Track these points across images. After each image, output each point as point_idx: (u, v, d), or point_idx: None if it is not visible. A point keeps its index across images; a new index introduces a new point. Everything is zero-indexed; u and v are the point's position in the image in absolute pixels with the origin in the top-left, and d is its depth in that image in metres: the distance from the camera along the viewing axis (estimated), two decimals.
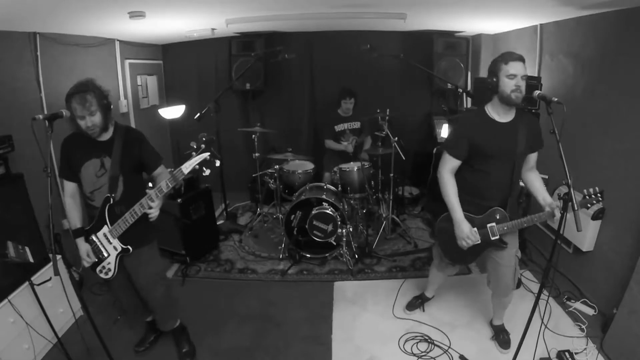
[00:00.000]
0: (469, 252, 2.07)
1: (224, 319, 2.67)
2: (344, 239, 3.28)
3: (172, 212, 3.15)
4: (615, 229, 2.48)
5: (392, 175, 3.66)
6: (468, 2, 2.70)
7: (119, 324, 2.59)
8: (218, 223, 3.88)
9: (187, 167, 1.66)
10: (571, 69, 2.90)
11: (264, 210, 4.12)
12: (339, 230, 3.22)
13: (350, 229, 3.48)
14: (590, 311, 2.58)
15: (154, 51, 4.60)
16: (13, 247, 1.95)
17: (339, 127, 4.07)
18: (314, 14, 3.25)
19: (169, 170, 1.90)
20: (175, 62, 4.80)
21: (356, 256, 3.35)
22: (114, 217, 1.85)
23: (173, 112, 4.24)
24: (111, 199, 1.85)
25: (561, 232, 1.59)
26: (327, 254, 3.40)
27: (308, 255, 3.40)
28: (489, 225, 1.98)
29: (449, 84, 4.10)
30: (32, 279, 2.12)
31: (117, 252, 1.90)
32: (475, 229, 1.99)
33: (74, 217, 1.95)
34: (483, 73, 4.32)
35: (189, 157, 1.67)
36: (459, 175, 2.01)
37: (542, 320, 2.16)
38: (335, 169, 3.55)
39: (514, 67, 1.76)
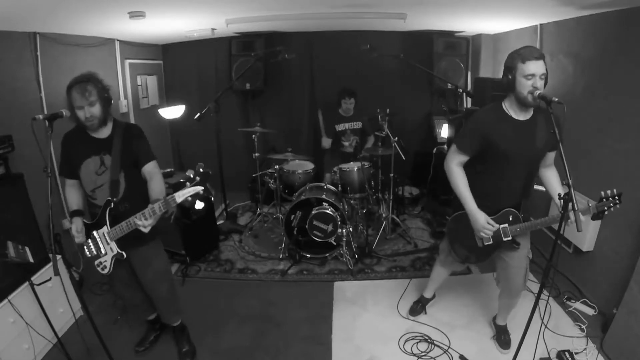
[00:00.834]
0: (480, 251, 2.04)
1: (224, 319, 2.67)
2: (344, 239, 3.28)
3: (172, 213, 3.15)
4: (615, 229, 2.48)
5: (392, 175, 3.66)
6: (468, 2, 2.70)
7: (119, 324, 2.58)
8: (218, 223, 3.88)
9: (180, 196, 1.65)
10: (571, 69, 2.90)
11: (264, 210, 4.12)
12: (339, 230, 3.22)
13: (350, 229, 3.48)
14: (590, 311, 2.58)
15: (154, 51, 4.60)
16: (13, 247, 1.95)
17: (339, 127, 4.08)
18: (314, 14, 3.25)
19: (165, 192, 1.87)
20: (175, 62, 4.80)
21: (356, 256, 3.35)
22: (118, 216, 1.85)
23: (173, 112, 4.24)
24: (112, 203, 1.84)
25: (561, 232, 1.59)
26: (327, 254, 3.40)
27: (308, 255, 3.40)
28: (501, 226, 1.94)
29: (449, 84, 4.10)
30: (32, 279, 2.12)
31: (113, 254, 1.90)
32: (490, 218, 1.91)
33: (72, 201, 1.98)
34: (483, 73, 4.32)
35: (183, 185, 1.67)
36: (473, 177, 1.93)
37: (542, 320, 2.16)
38: (335, 169, 3.55)
39: (532, 67, 1.65)
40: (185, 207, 3.19)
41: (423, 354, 2.30)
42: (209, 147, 4.12)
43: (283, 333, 2.54)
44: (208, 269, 3.32)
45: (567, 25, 2.93)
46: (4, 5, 2.03)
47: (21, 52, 2.72)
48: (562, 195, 1.55)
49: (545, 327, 2.29)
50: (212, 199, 1.51)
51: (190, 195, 1.64)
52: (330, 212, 3.22)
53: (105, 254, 1.92)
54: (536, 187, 2.03)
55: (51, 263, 1.67)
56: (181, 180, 1.69)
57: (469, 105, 4.40)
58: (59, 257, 1.80)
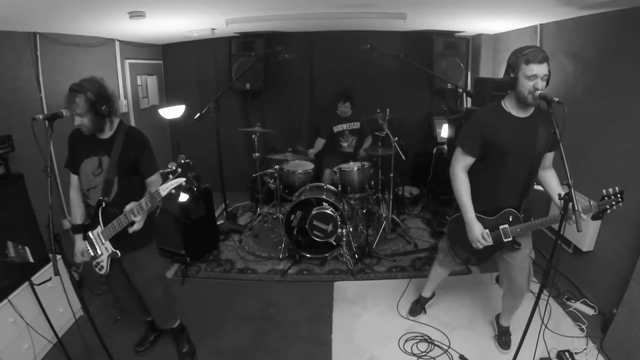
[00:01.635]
0: (481, 253, 2.03)
1: (224, 319, 2.67)
2: (344, 239, 3.27)
3: (171, 212, 3.16)
4: (615, 229, 2.48)
5: (392, 175, 3.66)
6: (468, 2, 2.70)
7: (119, 324, 2.58)
8: (218, 223, 3.88)
9: (164, 190, 1.62)
10: (571, 69, 2.90)
11: (264, 210, 4.12)
12: (339, 230, 3.22)
13: (350, 229, 3.48)
14: (590, 311, 2.58)
15: (154, 51, 4.60)
16: (13, 247, 1.95)
17: (337, 128, 4.08)
18: (314, 14, 3.25)
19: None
20: (175, 62, 4.80)
21: (356, 256, 3.35)
22: (108, 218, 1.85)
23: (173, 112, 4.24)
24: (103, 203, 1.84)
25: (561, 232, 1.58)
26: (327, 254, 3.40)
27: (308, 255, 3.40)
28: (501, 227, 1.93)
29: (449, 84, 4.10)
30: (32, 279, 2.12)
31: (108, 254, 1.91)
32: (487, 230, 1.93)
33: (76, 214, 2.00)
34: (483, 73, 4.32)
35: (166, 177, 1.64)
36: (473, 176, 1.93)
37: (542, 320, 2.16)
38: (335, 169, 3.55)
39: (535, 69, 1.66)
40: (185, 208, 3.19)
41: (423, 354, 2.30)
42: (209, 147, 4.12)
43: (283, 333, 2.54)
44: (208, 269, 3.32)
45: (567, 25, 2.93)
46: (4, 5, 2.03)
47: (21, 52, 2.71)
48: (562, 196, 1.55)
49: (545, 327, 2.29)
50: (195, 190, 1.49)
51: (174, 188, 1.62)
52: (330, 212, 3.22)
53: (101, 254, 1.92)
54: (536, 187, 2.02)
55: (51, 263, 1.67)
56: (165, 171, 1.66)
57: (469, 105, 4.40)
58: (59, 257, 1.80)
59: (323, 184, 3.53)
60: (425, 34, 4.24)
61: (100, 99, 1.76)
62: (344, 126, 4.08)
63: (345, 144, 4.11)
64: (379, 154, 3.54)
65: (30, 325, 2.11)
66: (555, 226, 1.64)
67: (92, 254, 1.93)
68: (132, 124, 4.11)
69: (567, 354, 2.16)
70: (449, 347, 2.34)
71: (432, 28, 4.10)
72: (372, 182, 3.65)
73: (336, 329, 2.55)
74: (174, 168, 1.66)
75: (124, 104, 3.93)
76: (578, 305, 2.62)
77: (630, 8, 2.30)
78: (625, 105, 2.38)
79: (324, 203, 3.29)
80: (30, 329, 2.12)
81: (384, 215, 3.81)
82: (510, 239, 1.94)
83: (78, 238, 1.95)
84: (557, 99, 1.58)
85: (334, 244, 3.35)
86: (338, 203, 3.32)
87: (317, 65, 4.70)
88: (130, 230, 1.78)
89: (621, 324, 2.14)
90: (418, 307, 2.65)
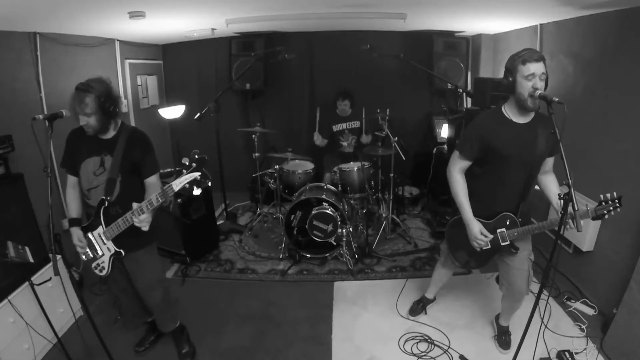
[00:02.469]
0: (479, 256, 2.04)
1: (224, 319, 2.67)
2: (344, 239, 3.28)
3: (172, 212, 3.16)
4: (615, 229, 2.48)
5: (392, 175, 3.66)
6: (468, 2, 2.70)
7: (119, 324, 2.58)
8: (218, 223, 3.88)
9: (177, 185, 1.63)
10: (571, 69, 2.90)
11: (264, 210, 4.12)
12: (339, 230, 3.22)
13: (350, 229, 3.48)
14: (590, 311, 2.58)
15: (154, 51, 4.60)
16: (13, 247, 1.95)
17: (337, 127, 4.08)
18: (314, 14, 3.25)
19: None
20: (175, 62, 4.80)
21: (356, 256, 3.35)
22: (109, 219, 1.84)
23: (173, 112, 4.23)
24: (106, 202, 1.84)
25: (561, 232, 1.58)
26: (327, 254, 3.40)
27: (308, 255, 3.40)
28: (498, 230, 1.93)
29: (449, 84, 4.10)
30: (32, 279, 2.12)
31: (110, 254, 1.90)
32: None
33: (72, 208, 1.99)
34: (483, 73, 4.32)
35: (180, 173, 1.65)
36: (472, 179, 1.95)
37: (542, 320, 2.16)
38: (335, 169, 3.55)
39: (532, 68, 1.65)
40: (185, 208, 3.19)
41: (423, 354, 2.30)
42: (209, 147, 4.11)
43: (283, 333, 2.54)
44: (208, 269, 3.32)
45: (567, 25, 2.93)
46: (4, 5, 2.03)
47: (21, 52, 2.71)
48: (562, 196, 1.55)
49: (545, 327, 2.29)
50: (210, 183, 1.51)
51: (188, 182, 1.62)
52: (330, 212, 3.22)
53: (102, 254, 1.91)
54: (535, 187, 2.02)
55: (51, 263, 1.67)
56: (177, 168, 1.67)
57: (469, 105, 4.40)
58: (59, 257, 1.81)
59: (323, 184, 3.53)
60: (425, 34, 4.23)
61: (108, 100, 1.77)
62: (344, 125, 4.08)
63: (345, 143, 4.11)
64: (379, 154, 3.54)
65: (30, 325, 2.11)
66: (555, 228, 1.64)
67: (91, 255, 1.92)
68: (132, 124, 4.11)
69: (567, 354, 2.16)
70: (449, 347, 2.34)
71: (432, 28, 4.10)
72: (372, 182, 3.65)
73: (336, 329, 2.55)
74: (188, 163, 1.66)
75: (124, 104, 3.93)
76: (578, 305, 2.62)
77: (630, 8, 2.30)
78: (625, 105, 2.38)
79: (324, 203, 3.29)
80: (30, 329, 2.12)
81: (384, 215, 3.81)
82: (507, 242, 1.94)
83: (74, 229, 1.93)
84: (557, 99, 1.58)
85: (334, 244, 3.35)
86: (338, 203, 3.32)
87: (317, 65, 4.70)
88: (143, 228, 1.76)
89: (621, 324, 2.14)
90: (419, 307, 2.65)
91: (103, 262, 1.93)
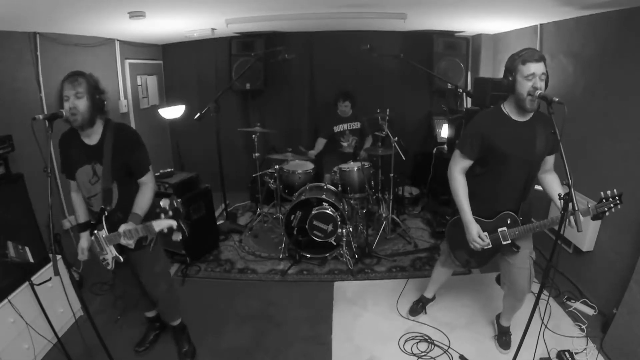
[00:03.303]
0: (480, 256, 2.04)
1: (224, 319, 2.67)
2: (344, 239, 3.28)
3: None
4: (615, 229, 2.48)
5: (392, 175, 3.66)
6: (468, 2, 2.70)
7: (120, 324, 2.59)
8: (218, 223, 3.88)
9: (157, 226, 1.67)
10: (571, 69, 2.90)
11: (264, 210, 4.12)
12: (339, 230, 3.22)
13: (350, 229, 3.48)
14: (590, 311, 2.58)
15: (154, 51, 4.60)
16: (13, 247, 1.95)
17: (338, 128, 4.08)
18: (314, 14, 3.25)
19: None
20: (175, 62, 4.80)
21: (356, 256, 3.35)
22: (112, 224, 1.84)
23: (173, 112, 4.24)
24: (105, 212, 1.83)
25: (561, 232, 1.59)
26: (327, 254, 3.40)
27: (308, 255, 3.40)
28: (499, 229, 1.93)
29: (449, 84, 4.11)
30: (32, 279, 2.12)
31: (112, 255, 1.90)
32: (486, 232, 1.93)
33: (79, 213, 2.00)
34: (483, 73, 4.32)
35: (157, 215, 1.68)
36: (473, 178, 1.94)
37: (542, 320, 2.16)
38: (335, 169, 3.55)
39: (532, 68, 1.66)
40: (185, 208, 3.19)
41: (423, 354, 2.30)
42: (209, 147, 4.13)
43: (283, 333, 2.54)
44: (208, 269, 3.32)
45: (567, 25, 2.93)
46: (4, 5, 2.03)
47: (21, 52, 2.72)
48: (562, 196, 1.55)
49: (545, 327, 2.29)
50: (180, 238, 1.55)
51: (167, 228, 1.67)
52: (330, 212, 3.22)
53: (107, 253, 1.92)
54: (536, 187, 2.02)
55: (51, 263, 1.67)
56: (157, 210, 1.69)
57: (469, 105, 4.40)
58: (59, 257, 1.80)
59: (323, 184, 3.53)
60: (425, 34, 4.24)
61: (97, 89, 1.78)
62: (345, 126, 4.08)
63: (345, 144, 4.11)
64: (379, 154, 3.54)
65: (30, 325, 2.11)
66: (556, 226, 1.64)
67: (98, 249, 1.93)
68: (132, 123, 4.11)
69: (567, 354, 2.16)
70: (449, 347, 2.34)
71: (432, 28, 4.10)
72: (372, 182, 3.65)
73: (336, 329, 2.55)
74: (167, 208, 1.67)
75: (124, 104, 3.93)
76: (578, 305, 2.62)
77: (630, 8, 2.31)
78: (625, 106, 2.38)
79: (324, 203, 3.29)
80: (30, 329, 2.12)
81: (384, 215, 3.81)
82: (508, 241, 1.94)
83: (83, 235, 1.95)
84: (557, 99, 1.58)
85: (334, 244, 3.35)
86: (338, 203, 3.32)
87: (317, 65, 4.70)
88: (127, 245, 1.79)
89: (621, 324, 2.14)
90: (419, 306, 2.65)
91: (108, 259, 1.93)
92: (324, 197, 3.29)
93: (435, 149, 4.23)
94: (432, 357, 2.27)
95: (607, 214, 1.67)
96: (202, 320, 2.62)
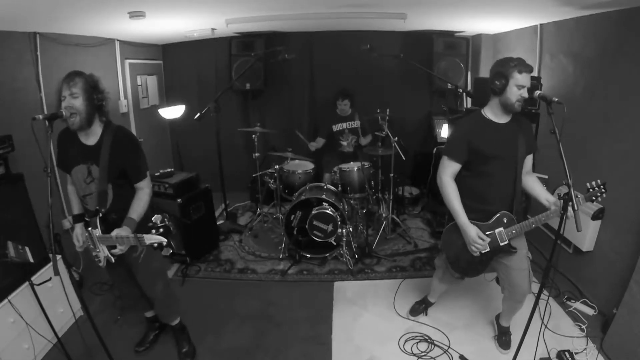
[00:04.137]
0: (478, 262, 2.03)
1: (224, 319, 2.67)
2: (344, 239, 3.28)
3: (172, 213, 3.16)
4: (615, 229, 2.48)
5: (392, 175, 3.66)
6: (468, 2, 2.70)
7: (119, 324, 2.59)
8: (218, 223, 3.88)
9: (148, 239, 1.69)
10: (571, 69, 2.90)
11: (264, 210, 4.12)
12: (339, 230, 3.22)
13: (350, 229, 3.48)
14: (590, 311, 2.58)
15: (154, 51, 4.60)
16: (13, 247, 1.95)
17: (337, 127, 4.08)
18: (314, 14, 3.24)
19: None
20: (175, 62, 4.80)
21: (356, 256, 3.35)
22: (107, 225, 1.84)
23: (173, 112, 4.24)
24: (100, 213, 1.83)
25: (561, 232, 1.59)
26: (327, 254, 3.40)
27: (308, 255, 3.40)
28: (496, 230, 1.94)
29: (449, 84, 4.10)
30: (32, 279, 2.12)
31: (104, 255, 1.90)
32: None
33: (74, 205, 2.02)
34: (483, 73, 4.32)
35: (150, 229, 1.74)
36: (462, 182, 1.97)
37: (542, 320, 2.16)
38: (335, 169, 3.55)
39: (525, 79, 1.76)
40: (185, 208, 3.20)
41: (423, 354, 2.30)
42: (209, 147, 4.12)
43: (283, 333, 2.54)
44: (208, 269, 3.32)
45: (567, 25, 2.93)
46: (4, 5, 2.03)
47: (21, 52, 2.72)
48: (562, 195, 1.56)
49: (545, 327, 2.29)
50: (170, 253, 1.61)
51: (157, 243, 1.69)
52: (330, 212, 3.22)
53: (99, 250, 1.92)
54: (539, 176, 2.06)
55: (51, 263, 1.67)
56: (149, 224, 1.74)
57: (469, 105, 4.41)
58: (59, 257, 1.80)
59: (323, 184, 3.53)
60: (425, 34, 4.23)
61: (96, 90, 1.78)
62: (344, 125, 4.08)
63: (344, 143, 4.11)
64: (379, 154, 3.54)
65: (30, 325, 2.11)
66: (554, 225, 1.64)
67: (91, 245, 1.93)
68: (132, 124, 4.11)
69: (567, 354, 2.16)
70: (449, 347, 2.34)
71: (432, 28, 4.10)
72: (372, 182, 3.65)
73: (336, 329, 2.55)
74: (158, 224, 1.71)
75: (124, 104, 3.93)
76: (578, 305, 2.62)
77: (630, 8, 2.31)
78: (625, 105, 2.38)
79: (324, 203, 3.29)
80: (30, 329, 2.12)
81: (384, 215, 3.81)
82: (506, 242, 1.95)
83: (78, 226, 1.96)
84: (556, 99, 1.59)
85: (334, 244, 3.35)
86: (338, 203, 3.32)
87: (317, 65, 4.70)
88: (115, 251, 1.80)
89: (621, 324, 2.14)
90: (421, 307, 2.65)
91: (99, 256, 1.93)
92: (324, 197, 3.29)
93: (435, 149, 4.22)
94: (432, 357, 2.27)
95: (594, 202, 1.76)
96: (202, 320, 2.62)
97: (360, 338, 2.46)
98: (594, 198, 1.76)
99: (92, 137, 1.85)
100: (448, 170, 1.97)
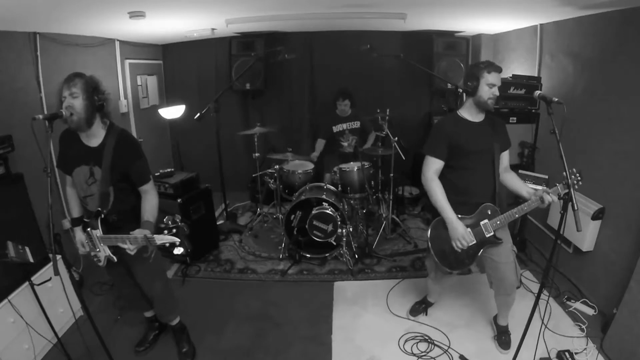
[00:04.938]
0: (465, 255, 2.06)
1: (224, 319, 2.67)
2: (344, 239, 3.27)
3: (172, 213, 3.15)
4: (615, 229, 2.48)
5: (392, 175, 3.66)
6: (468, 2, 2.70)
7: (119, 324, 2.59)
8: (218, 223, 3.88)
9: (159, 240, 1.67)
10: (571, 69, 2.90)
11: (264, 210, 4.12)
12: (339, 230, 3.22)
13: (350, 229, 3.48)
14: (590, 311, 2.58)
15: (154, 51, 4.60)
16: (13, 247, 1.94)
17: (337, 128, 4.08)
18: (314, 14, 3.25)
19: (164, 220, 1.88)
20: (175, 62, 4.80)
21: (356, 256, 3.35)
22: (108, 226, 1.84)
23: (173, 112, 4.24)
24: (102, 214, 1.83)
25: (561, 232, 1.59)
26: (327, 254, 3.40)
27: (308, 255, 3.40)
28: (482, 222, 2.01)
29: (449, 84, 4.11)
30: (32, 279, 2.12)
31: (105, 254, 1.90)
32: (469, 229, 2.00)
33: (73, 207, 2.01)
34: None
35: (161, 230, 1.69)
36: (445, 178, 2.05)
37: (542, 320, 2.17)
38: (335, 169, 3.55)
39: (495, 78, 1.90)
40: (185, 208, 3.20)
41: (423, 354, 2.30)
42: (209, 147, 4.13)
43: (283, 333, 2.54)
44: (208, 269, 3.32)
45: (567, 25, 2.93)
46: (4, 5, 2.03)
47: (21, 52, 2.72)
48: (561, 195, 1.56)
49: (545, 327, 2.29)
50: (182, 252, 1.57)
51: (169, 243, 1.67)
52: (330, 212, 3.22)
53: (99, 250, 1.92)
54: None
55: (51, 263, 1.67)
56: (161, 225, 1.70)
57: None
58: (59, 257, 1.80)
59: (323, 184, 3.53)
60: (425, 34, 4.23)
61: (97, 90, 1.78)
62: (344, 126, 4.08)
63: (345, 144, 4.11)
64: (379, 154, 3.54)
65: (30, 325, 2.11)
66: (554, 225, 1.64)
67: (91, 245, 1.93)
68: (132, 124, 4.11)
69: (567, 354, 2.16)
70: (449, 347, 2.34)
71: (432, 28, 4.10)
72: (372, 182, 3.64)
73: (336, 329, 2.55)
74: (170, 225, 1.67)
75: (124, 104, 3.93)
76: (578, 305, 2.62)
77: (630, 8, 2.31)
78: (625, 106, 2.38)
79: (324, 203, 3.29)
80: (30, 329, 2.12)
81: (384, 215, 3.81)
82: (492, 233, 2.00)
83: (77, 230, 1.95)
84: (556, 99, 1.59)
85: (334, 244, 3.34)
86: (338, 203, 3.32)
87: (317, 65, 4.70)
88: (128, 250, 1.77)
89: (621, 324, 2.14)
90: (421, 307, 2.66)
91: (99, 256, 1.93)
92: (324, 197, 3.29)
93: None
94: (432, 357, 2.27)
95: (573, 189, 1.69)
96: (202, 320, 2.62)
97: (360, 338, 2.46)
98: (575, 184, 1.72)
99: (94, 138, 1.85)
100: (432, 168, 2.04)
